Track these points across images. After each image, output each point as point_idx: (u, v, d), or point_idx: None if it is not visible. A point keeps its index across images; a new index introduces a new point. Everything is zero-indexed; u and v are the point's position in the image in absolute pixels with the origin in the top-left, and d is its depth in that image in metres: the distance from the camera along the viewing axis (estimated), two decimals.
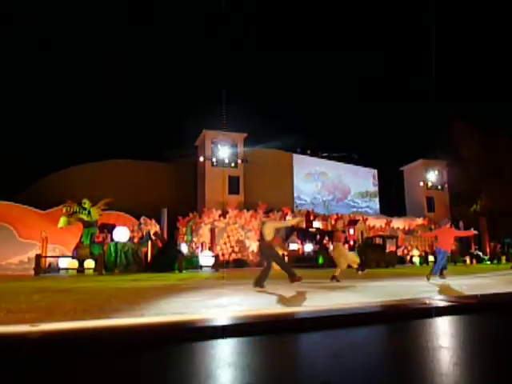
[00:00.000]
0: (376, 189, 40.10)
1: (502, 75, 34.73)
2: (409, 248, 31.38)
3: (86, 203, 20.90)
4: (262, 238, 8.87)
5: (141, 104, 36.49)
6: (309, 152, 37.58)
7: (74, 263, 18.67)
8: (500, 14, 33.10)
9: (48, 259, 19.61)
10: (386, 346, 3.80)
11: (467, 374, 2.70)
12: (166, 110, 36.95)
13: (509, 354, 3.28)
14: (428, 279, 9.96)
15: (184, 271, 18.56)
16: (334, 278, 10.07)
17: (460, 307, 5.26)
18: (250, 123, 30.19)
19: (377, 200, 40.01)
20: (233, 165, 30.51)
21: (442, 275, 10.57)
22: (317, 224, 30.06)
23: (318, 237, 27.02)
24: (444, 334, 4.19)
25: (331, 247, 10.67)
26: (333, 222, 31.73)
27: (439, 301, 5.69)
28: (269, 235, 8.74)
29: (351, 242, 27.79)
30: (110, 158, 30.98)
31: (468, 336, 4.10)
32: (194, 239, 25.62)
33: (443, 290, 8.00)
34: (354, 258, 10.92)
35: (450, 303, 5.42)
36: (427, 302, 5.48)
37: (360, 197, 39.05)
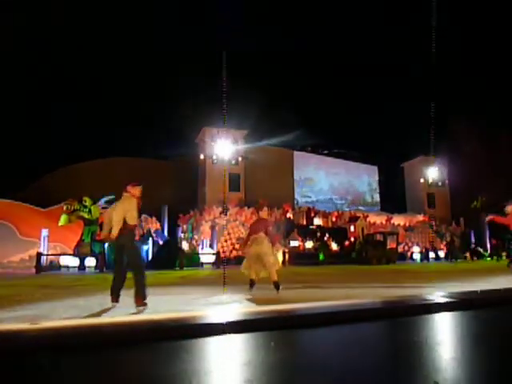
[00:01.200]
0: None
1: (503, 72, 34.62)
2: (409, 244, 31.41)
3: (87, 201, 20.91)
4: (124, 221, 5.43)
5: (141, 101, 36.43)
6: (309, 149, 37.56)
7: (75, 261, 18.70)
8: (502, 12, 32.98)
9: (49, 257, 19.65)
10: (387, 342, 3.81)
11: (467, 368, 2.71)
12: (166, 108, 36.91)
13: (506, 348, 3.29)
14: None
15: (185, 268, 18.59)
16: (276, 285, 6.84)
17: (459, 303, 5.27)
18: (251, 120, 30.14)
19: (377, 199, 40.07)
20: (233, 162, 30.49)
21: None
22: (317, 221, 30.09)
23: (319, 234, 27.06)
24: (443, 329, 4.20)
25: (258, 241, 7.02)
26: (333, 219, 31.76)
27: (438, 297, 5.70)
28: (132, 219, 5.49)
29: (352, 239, 27.85)
30: (111, 156, 31.00)
31: (467, 331, 4.11)
32: (195, 236, 25.65)
33: None
34: (277, 266, 7.19)
35: (448, 299, 5.43)
36: (427, 298, 5.49)
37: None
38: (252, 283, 7.11)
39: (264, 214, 8.19)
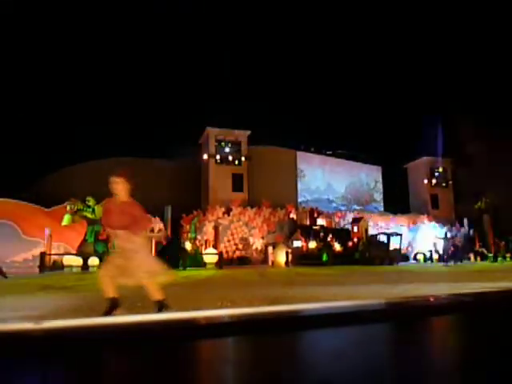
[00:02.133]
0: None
1: (508, 72, 34.48)
2: (413, 245, 31.32)
3: (91, 201, 20.97)
4: None
5: (144, 101, 36.52)
6: (312, 150, 37.48)
7: (79, 261, 18.75)
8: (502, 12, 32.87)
9: (52, 257, 19.71)
10: (386, 345, 3.79)
11: (470, 372, 2.69)
12: (169, 108, 36.97)
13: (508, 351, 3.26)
14: None
15: (188, 268, 18.61)
16: (161, 305, 4.42)
17: (462, 305, 5.23)
18: (254, 120, 30.19)
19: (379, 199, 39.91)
20: (236, 162, 30.53)
21: None
22: (320, 221, 30.01)
23: (322, 234, 26.98)
24: (446, 331, 4.17)
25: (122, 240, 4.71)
26: (337, 220, 31.69)
27: (442, 298, 5.66)
28: None
29: (355, 240, 27.78)
30: (114, 156, 31.04)
31: (470, 334, 4.08)
32: (198, 237, 25.66)
33: None
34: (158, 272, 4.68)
35: (451, 301, 5.39)
36: (430, 299, 5.45)
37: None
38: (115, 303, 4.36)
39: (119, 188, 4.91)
